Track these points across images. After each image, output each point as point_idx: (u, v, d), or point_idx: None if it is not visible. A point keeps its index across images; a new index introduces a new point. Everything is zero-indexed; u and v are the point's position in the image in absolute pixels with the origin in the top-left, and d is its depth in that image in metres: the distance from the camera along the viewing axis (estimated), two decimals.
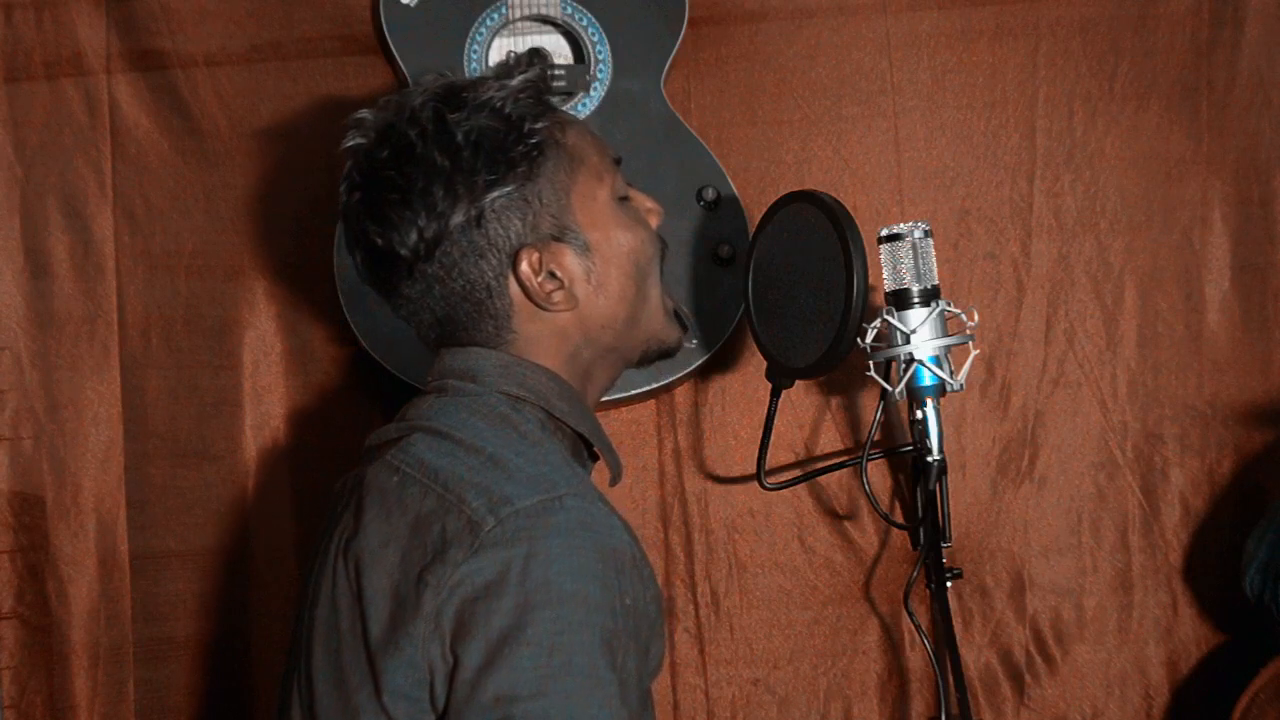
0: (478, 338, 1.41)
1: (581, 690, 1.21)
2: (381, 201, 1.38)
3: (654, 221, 1.50)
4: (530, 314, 1.41)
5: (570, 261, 1.40)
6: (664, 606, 1.35)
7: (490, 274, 1.39)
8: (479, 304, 1.40)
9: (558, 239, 1.40)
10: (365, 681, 1.28)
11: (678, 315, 1.52)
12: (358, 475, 1.41)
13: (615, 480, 1.49)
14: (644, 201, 1.50)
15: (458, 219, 1.36)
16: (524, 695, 1.20)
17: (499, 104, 1.38)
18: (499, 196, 1.37)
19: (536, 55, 1.45)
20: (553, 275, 1.40)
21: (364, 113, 1.42)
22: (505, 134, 1.38)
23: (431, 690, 1.25)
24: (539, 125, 1.39)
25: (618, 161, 1.48)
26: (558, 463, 1.33)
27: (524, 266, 1.38)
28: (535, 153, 1.38)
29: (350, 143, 1.42)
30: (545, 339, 1.42)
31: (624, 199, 1.47)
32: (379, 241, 1.39)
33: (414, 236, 1.37)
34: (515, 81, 1.40)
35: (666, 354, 1.53)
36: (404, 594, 1.26)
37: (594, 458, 1.48)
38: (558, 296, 1.40)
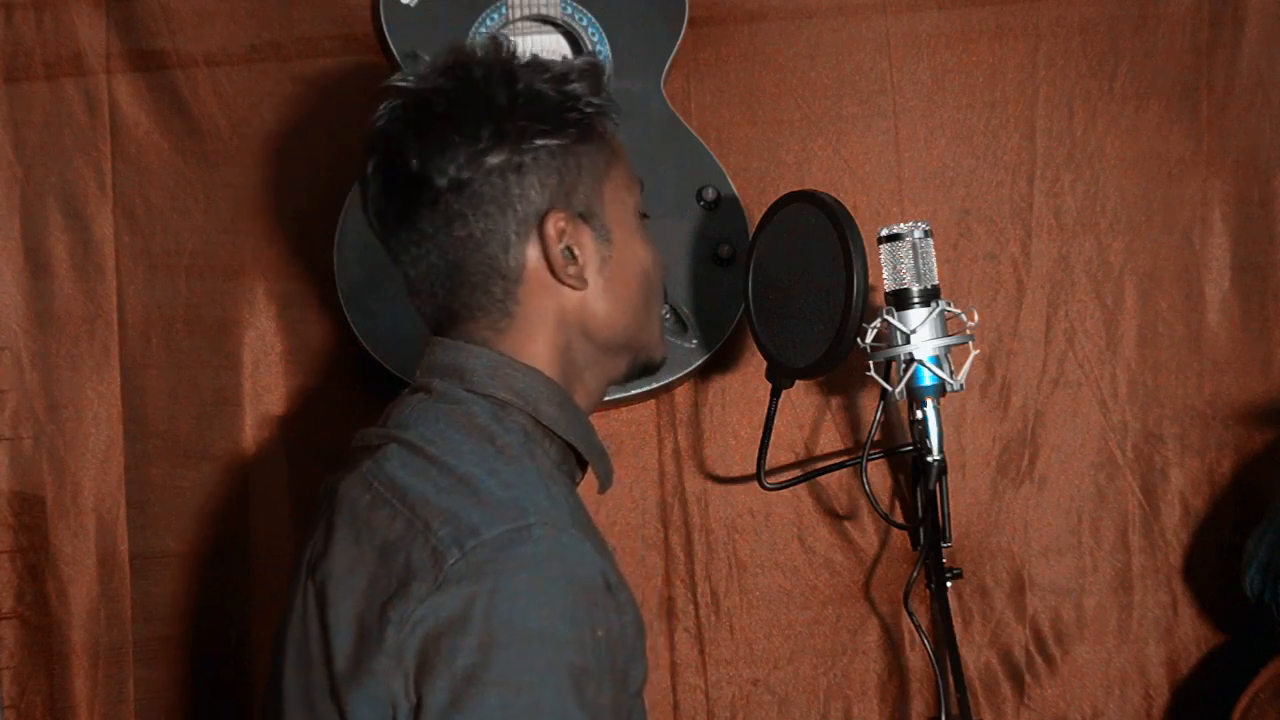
0: (482, 300, 1.37)
1: None
2: (428, 124, 1.35)
3: (661, 263, 1.50)
4: (538, 284, 1.37)
5: (590, 246, 1.39)
6: (643, 629, 1.33)
7: (513, 226, 1.36)
8: (492, 256, 1.36)
9: (584, 218, 1.38)
10: (331, 712, 1.26)
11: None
12: (331, 485, 1.38)
13: (604, 488, 1.46)
14: (653, 245, 1.49)
15: (498, 159, 1.34)
16: None
17: (561, 73, 1.39)
18: (543, 148, 1.35)
19: (596, 58, 1.45)
20: (570, 252, 1.37)
21: (420, 54, 1.41)
22: (561, 100, 1.37)
23: None
24: (594, 103, 1.39)
25: (641, 186, 1.49)
26: (533, 482, 1.29)
27: (550, 228, 1.36)
28: (585, 124, 1.38)
29: (400, 80, 1.39)
30: (544, 320, 1.38)
31: (644, 216, 1.47)
32: (414, 163, 1.35)
33: (451, 166, 1.34)
34: (578, 62, 1.41)
35: (650, 369, 1.51)
36: (368, 625, 1.23)
37: (584, 466, 1.45)
38: (571, 271, 1.37)
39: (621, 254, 1.41)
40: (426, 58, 1.40)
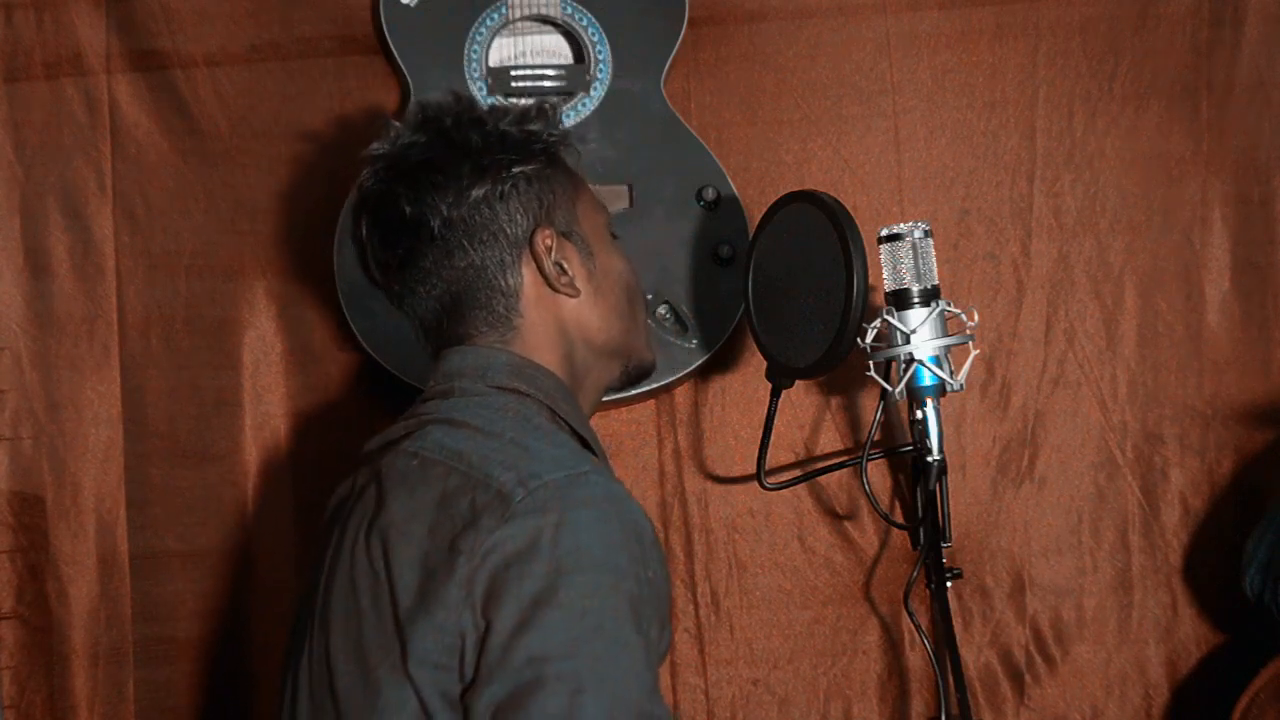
0: (486, 319, 1.48)
1: (611, 652, 1.25)
2: (413, 171, 1.47)
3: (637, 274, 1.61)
4: (538, 298, 1.48)
5: (576, 259, 1.50)
6: (671, 598, 1.38)
7: (507, 249, 1.47)
8: (492, 279, 1.47)
9: (566, 235, 1.50)
10: (390, 652, 1.30)
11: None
12: (371, 470, 1.43)
13: None
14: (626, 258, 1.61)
15: (481, 191, 1.46)
16: (555, 656, 1.23)
17: (519, 115, 1.52)
18: (520, 175, 1.48)
19: (546, 101, 1.57)
20: (560, 265, 1.49)
21: (393, 121, 1.53)
22: (524, 138, 1.50)
23: (461, 657, 1.27)
24: (554, 134, 1.53)
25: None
26: (576, 449, 1.40)
27: (539, 244, 1.47)
28: (553, 150, 1.52)
29: (379, 147, 1.51)
30: (547, 330, 1.49)
31: (615, 237, 1.58)
32: (408, 209, 1.46)
33: (442, 204, 1.45)
34: (531, 105, 1.54)
35: (643, 374, 1.60)
36: (434, 563, 1.29)
37: None
38: (565, 280, 1.48)
39: (604, 265, 1.53)
40: (397, 124, 1.52)
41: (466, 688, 1.26)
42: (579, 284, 1.49)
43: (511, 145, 1.49)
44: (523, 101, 1.57)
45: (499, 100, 1.57)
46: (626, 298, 1.55)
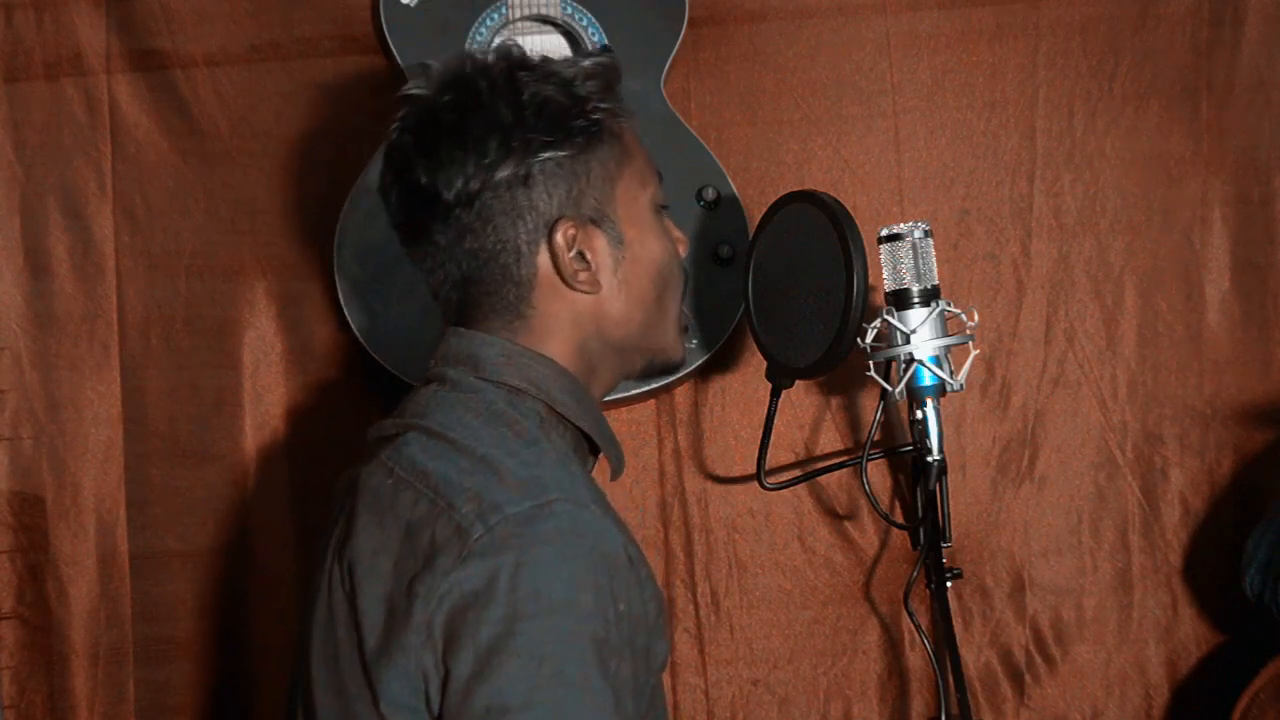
0: (496, 305, 1.39)
1: (572, 700, 1.20)
2: (436, 140, 1.37)
3: (681, 251, 1.50)
4: (551, 289, 1.39)
5: (602, 249, 1.40)
6: (664, 604, 1.34)
7: (524, 237, 1.38)
8: (505, 266, 1.38)
9: (595, 222, 1.40)
10: (363, 691, 1.27)
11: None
12: (353, 475, 1.40)
13: (616, 475, 1.47)
14: (674, 230, 1.50)
15: (505, 173, 1.36)
16: (514, 706, 1.18)
17: (569, 77, 1.39)
18: (550, 160, 1.37)
19: (610, 52, 1.45)
20: (582, 257, 1.39)
21: (430, 63, 1.43)
22: (569, 106, 1.38)
23: (427, 699, 1.24)
24: (602, 107, 1.40)
25: (659, 176, 1.49)
26: (551, 464, 1.31)
27: (559, 237, 1.37)
28: (594, 129, 1.39)
29: (412, 90, 1.41)
30: (560, 321, 1.40)
31: (663, 209, 1.48)
32: (424, 180, 1.37)
33: (460, 180, 1.36)
34: (587, 63, 1.41)
35: (668, 370, 1.52)
36: (396, 603, 1.25)
37: (595, 453, 1.46)
38: (583, 277, 1.39)
39: (635, 253, 1.42)
40: (436, 65, 1.41)
41: None
42: (602, 277, 1.39)
43: (548, 121, 1.36)
44: (578, 59, 1.42)
45: (551, 58, 1.41)
46: (655, 289, 1.44)
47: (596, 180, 1.40)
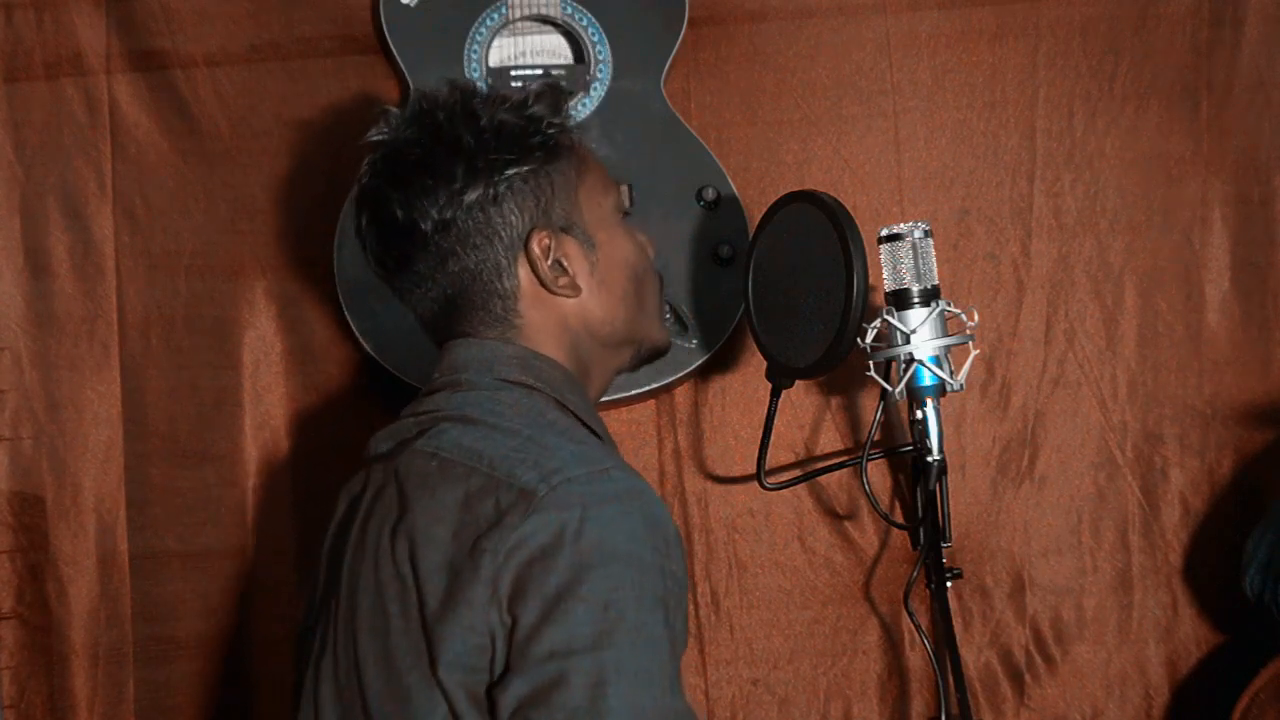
0: (485, 319, 1.46)
1: (634, 645, 1.24)
2: (406, 175, 1.45)
3: (649, 251, 1.58)
4: (535, 298, 1.46)
5: (576, 253, 1.47)
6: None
7: (502, 252, 1.45)
8: (488, 283, 1.45)
9: (566, 230, 1.47)
10: (419, 659, 1.30)
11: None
12: (387, 470, 1.42)
13: None
14: (639, 234, 1.57)
15: (474, 195, 1.43)
16: (579, 649, 1.23)
17: (520, 101, 1.48)
18: (515, 176, 1.44)
19: (553, 79, 1.56)
20: (559, 264, 1.46)
21: (390, 108, 1.50)
22: (524, 126, 1.46)
23: (491, 656, 1.27)
24: (554, 123, 1.48)
25: (617, 184, 1.56)
26: (593, 443, 1.39)
27: (534, 247, 1.45)
28: (550, 144, 1.47)
29: (375, 135, 1.49)
30: (549, 326, 1.47)
31: (626, 214, 1.55)
32: (399, 213, 1.44)
33: (434, 209, 1.43)
34: (535, 86, 1.50)
35: (656, 355, 1.59)
36: (459, 565, 1.29)
37: None
38: (563, 282, 1.46)
39: (608, 254, 1.50)
40: (394, 110, 1.50)
41: (494, 683, 1.26)
42: (580, 281, 1.47)
43: (507, 141, 1.45)
44: (525, 85, 1.52)
45: (500, 88, 1.52)
46: (634, 284, 1.52)
47: (560, 190, 1.47)
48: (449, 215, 1.43)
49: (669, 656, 1.27)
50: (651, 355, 1.58)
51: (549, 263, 1.45)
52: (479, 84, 1.51)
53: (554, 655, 1.23)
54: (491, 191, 1.43)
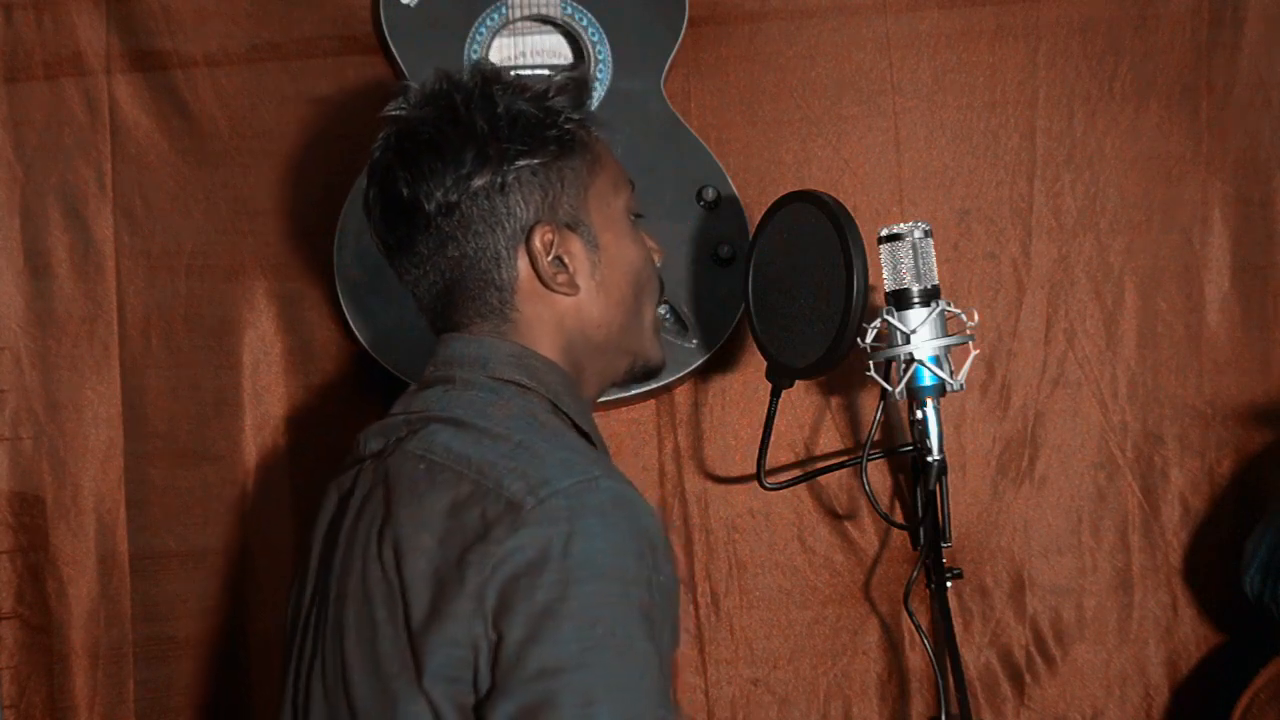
0: (480, 310, 1.44)
1: (622, 662, 1.24)
2: (416, 154, 1.43)
3: (656, 259, 1.55)
4: (533, 292, 1.44)
5: (579, 252, 1.45)
6: (679, 594, 1.37)
7: (503, 242, 1.43)
8: (486, 272, 1.43)
9: (571, 227, 1.45)
10: (405, 667, 1.29)
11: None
12: (377, 471, 1.41)
13: None
14: (649, 239, 1.55)
15: (481, 181, 1.42)
16: (567, 667, 1.22)
17: (541, 91, 1.46)
18: (525, 168, 1.42)
19: (581, 69, 1.53)
20: (560, 260, 1.44)
21: (409, 83, 1.48)
22: (541, 118, 1.44)
23: (475, 669, 1.26)
24: (573, 118, 1.46)
25: (632, 186, 1.54)
26: (583, 448, 1.37)
27: (536, 242, 1.43)
28: (566, 138, 1.45)
29: (392, 110, 1.47)
30: (544, 323, 1.45)
31: (637, 217, 1.53)
32: (405, 192, 1.43)
33: (439, 191, 1.42)
34: (558, 78, 1.48)
35: (650, 374, 1.57)
36: (445, 575, 1.28)
37: None
38: (561, 279, 1.44)
39: (610, 257, 1.48)
40: (415, 86, 1.47)
41: (481, 700, 1.26)
42: (580, 280, 1.45)
43: (522, 131, 1.43)
44: (550, 75, 1.49)
45: (523, 75, 1.48)
46: (633, 291, 1.49)
47: (570, 187, 1.45)
48: (453, 199, 1.41)
49: (657, 671, 1.26)
50: (645, 372, 1.55)
51: (549, 258, 1.43)
52: (503, 70, 1.48)
53: (543, 674, 1.22)
54: (499, 180, 1.42)
